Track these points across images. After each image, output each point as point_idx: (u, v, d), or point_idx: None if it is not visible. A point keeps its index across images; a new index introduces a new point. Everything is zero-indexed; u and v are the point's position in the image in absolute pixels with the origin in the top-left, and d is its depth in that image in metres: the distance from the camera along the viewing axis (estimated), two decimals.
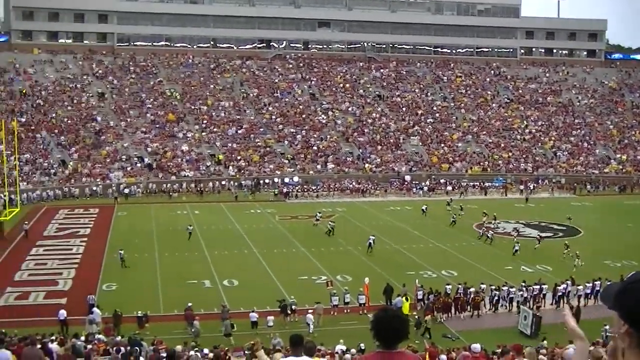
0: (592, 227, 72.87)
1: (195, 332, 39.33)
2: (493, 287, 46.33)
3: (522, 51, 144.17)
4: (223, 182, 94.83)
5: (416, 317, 41.36)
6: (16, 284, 49.87)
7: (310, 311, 42.19)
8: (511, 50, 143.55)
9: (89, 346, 28.26)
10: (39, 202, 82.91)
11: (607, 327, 38.37)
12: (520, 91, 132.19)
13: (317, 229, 69.10)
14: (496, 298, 45.56)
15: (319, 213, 72.70)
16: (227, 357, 24.56)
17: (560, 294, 46.10)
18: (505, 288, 46.32)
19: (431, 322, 41.81)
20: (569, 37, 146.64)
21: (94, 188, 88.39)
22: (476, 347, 18.44)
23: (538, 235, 66.73)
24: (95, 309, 41.32)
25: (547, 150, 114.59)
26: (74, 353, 23.03)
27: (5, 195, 70.74)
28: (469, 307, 44.84)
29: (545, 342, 32.62)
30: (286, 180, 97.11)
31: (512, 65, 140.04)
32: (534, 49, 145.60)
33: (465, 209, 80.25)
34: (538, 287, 46.51)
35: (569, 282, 46.65)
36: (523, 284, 46.79)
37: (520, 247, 59.93)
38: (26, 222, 67.34)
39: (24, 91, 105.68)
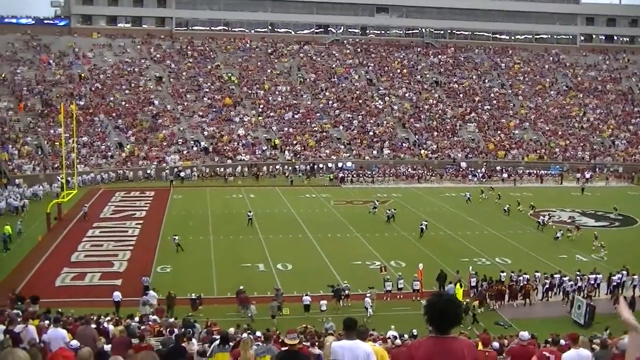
0: None
1: (251, 316, 39.46)
2: (545, 275, 45.88)
3: (582, 38, 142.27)
4: (277, 167, 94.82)
5: (464, 303, 41.01)
6: (72, 265, 50.43)
7: (368, 294, 42.13)
8: (571, 37, 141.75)
9: (143, 327, 28.40)
10: (95, 184, 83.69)
11: None
12: (579, 78, 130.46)
13: (371, 215, 68.78)
14: (547, 286, 45.10)
15: (377, 201, 72.07)
16: (280, 340, 24.48)
17: (614, 283, 45.53)
18: (557, 276, 45.89)
19: (478, 309, 41.62)
20: (630, 23, 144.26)
21: (148, 171, 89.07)
22: (524, 334, 18.12)
23: (573, 223, 66.33)
24: (151, 292, 41.64)
25: (605, 138, 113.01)
26: (128, 333, 23.12)
27: (62, 178, 71.53)
28: (520, 295, 44.47)
29: (608, 331, 32.05)
30: (339, 165, 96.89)
31: (572, 52, 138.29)
32: (594, 36, 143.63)
33: (521, 197, 79.54)
34: (593, 276, 45.95)
35: (624, 272, 46.00)
36: (578, 273, 46.28)
37: (562, 235, 60.05)
38: (85, 205, 68.06)
39: (82, 75, 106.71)
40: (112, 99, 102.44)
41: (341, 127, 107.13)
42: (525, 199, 78.37)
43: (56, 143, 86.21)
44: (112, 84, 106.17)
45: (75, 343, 15.96)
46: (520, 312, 43.15)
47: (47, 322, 23.80)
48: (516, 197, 78.68)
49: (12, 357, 5.29)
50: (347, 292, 43.19)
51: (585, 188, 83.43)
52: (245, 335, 26.32)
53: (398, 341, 25.25)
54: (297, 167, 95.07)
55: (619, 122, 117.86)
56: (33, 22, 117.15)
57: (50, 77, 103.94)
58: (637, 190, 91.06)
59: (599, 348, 16.91)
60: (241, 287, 42.20)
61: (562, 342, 19.03)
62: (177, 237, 55.11)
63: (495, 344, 23.51)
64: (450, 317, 6.68)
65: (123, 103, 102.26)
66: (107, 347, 18.04)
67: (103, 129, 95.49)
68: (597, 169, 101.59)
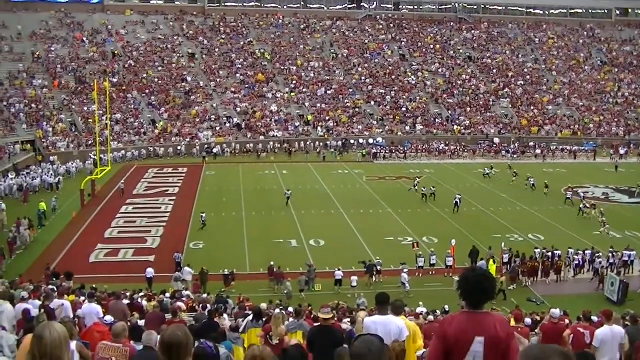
0: None
1: (288, 293, 39.57)
2: (577, 251, 45.65)
3: (618, 12, 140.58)
4: (308, 142, 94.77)
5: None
6: (106, 241, 50.77)
7: (405, 270, 42.18)
8: (606, 11, 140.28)
9: (177, 303, 28.57)
10: (128, 160, 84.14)
11: None
12: (614, 53, 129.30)
13: (405, 192, 68.57)
14: (579, 263, 44.86)
15: (417, 178, 71.39)
16: (312, 315, 24.58)
17: None
18: (588, 252, 45.66)
19: (510, 286, 41.58)
20: None
21: (179, 147, 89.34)
22: (555, 312, 18.00)
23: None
24: (186, 268, 41.93)
25: (639, 114, 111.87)
26: (161, 309, 23.29)
27: (96, 154, 71.95)
28: (552, 271, 44.29)
29: None
30: (369, 140, 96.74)
31: (607, 27, 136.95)
32: (630, 10, 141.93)
33: (554, 173, 79.20)
34: (627, 253, 45.68)
35: None
36: (610, 249, 46.00)
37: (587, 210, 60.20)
38: (122, 181, 68.42)
39: (115, 52, 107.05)
40: (144, 75, 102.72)
41: (373, 103, 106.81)
42: (557, 175, 78.13)
43: (89, 120, 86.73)
44: (144, 61, 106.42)
45: (109, 318, 16.10)
46: (552, 288, 43.02)
47: (82, 297, 24.03)
48: (548, 173, 78.44)
49: (49, 330, 5.28)
50: (378, 267, 43.26)
51: (618, 165, 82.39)
52: (277, 310, 26.45)
53: (430, 317, 25.28)
54: (328, 143, 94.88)
55: None
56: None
57: (83, 55, 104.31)
58: None
59: (629, 324, 16.82)
60: (272, 263, 42.34)
61: (595, 318, 18.93)
62: (204, 214, 55.30)
63: (528, 320, 23.45)
64: (484, 291, 6.64)
65: (156, 80, 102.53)
66: (142, 322, 18.16)
67: (136, 106, 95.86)
68: (631, 145, 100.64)
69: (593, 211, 58.75)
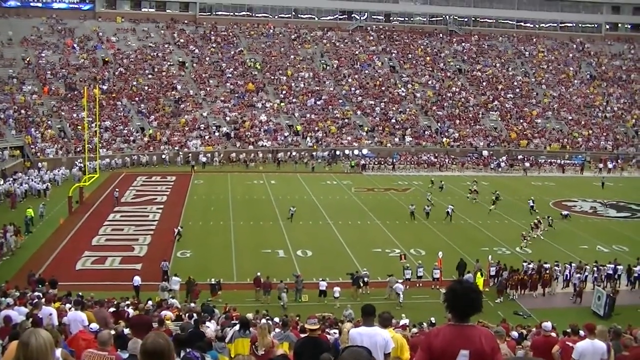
0: None
1: (284, 305, 39.67)
2: (564, 265, 45.92)
3: (607, 26, 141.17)
4: (294, 153, 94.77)
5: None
6: (94, 249, 50.68)
7: (400, 281, 42.48)
8: (596, 25, 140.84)
9: (163, 312, 28.53)
10: (117, 168, 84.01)
11: None
12: (604, 68, 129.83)
13: (395, 204, 68.63)
14: (565, 277, 45.03)
15: (429, 197, 68.97)
16: (299, 326, 24.57)
17: (636, 274, 45.45)
18: (574, 265, 45.95)
19: (497, 299, 41.91)
20: None
21: (163, 156, 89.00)
22: (547, 325, 18.00)
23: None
24: (174, 277, 41.85)
25: (628, 128, 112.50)
26: (150, 320, 23.21)
27: (84, 161, 71.84)
28: (539, 285, 44.42)
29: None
30: (355, 152, 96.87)
31: (596, 41, 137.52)
32: (619, 25, 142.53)
33: (543, 187, 79.55)
34: (611, 266, 45.93)
35: None
36: (595, 264, 46.24)
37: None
38: (117, 189, 68.32)
39: (106, 59, 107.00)
40: (135, 83, 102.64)
41: (363, 114, 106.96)
42: (545, 189, 78.64)
43: (79, 127, 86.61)
44: (135, 69, 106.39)
45: (95, 326, 16.07)
46: (540, 302, 43.12)
47: (68, 305, 23.97)
48: (537, 186, 78.86)
49: (35, 337, 5.28)
50: (366, 279, 43.29)
51: (605, 182, 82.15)
52: (263, 321, 26.46)
53: (415, 329, 25.31)
54: (314, 154, 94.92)
55: None
56: (60, 6, 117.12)
57: (74, 61, 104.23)
58: None
59: (612, 337, 16.91)
60: (259, 274, 42.33)
61: (582, 332, 18.98)
62: (181, 229, 54.94)
63: (515, 334, 23.55)
64: (470, 304, 6.68)
65: (146, 88, 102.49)
66: (128, 331, 18.11)
67: (126, 114, 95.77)
68: (619, 159, 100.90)
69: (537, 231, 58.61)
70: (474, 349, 6.50)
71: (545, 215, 60.72)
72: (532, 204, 67.27)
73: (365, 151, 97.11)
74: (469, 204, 68.73)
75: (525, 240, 54.45)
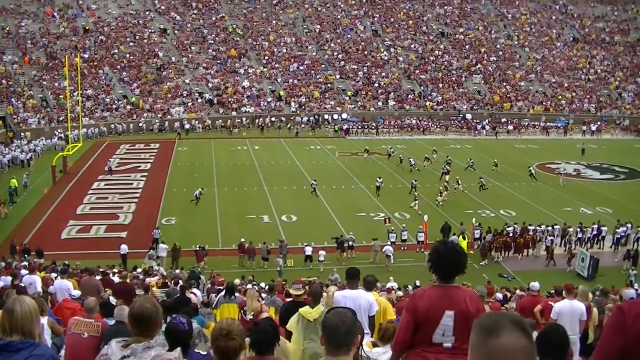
0: None
1: (280, 270, 39.81)
2: (544, 227, 46.23)
3: None
4: (282, 119, 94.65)
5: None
6: (78, 218, 50.73)
7: (389, 243, 42.77)
8: None
9: (148, 279, 28.63)
10: (100, 137, 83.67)
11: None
12: (587, 30, 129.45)
13: (378, 168, 68.59)
14: (551, 238, 45.27)
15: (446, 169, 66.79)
16: (285, 291, 24.67)
17: (618, 236, 45.79)
18: (558, 227, 46.29)
19: (481, 262, 42.26)
20: None
21: (140, 124, 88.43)
22: (535, 285, 18.12)
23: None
24: (161, 245, 41.93)
25: (612, 90, 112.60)
26: (134, 286, 23.28)
27: (65, 131, 71.54)
28: (526, 248, 44.72)
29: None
30: (334, 116, 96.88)
31: (579, 3, 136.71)
32: None
33: (526, 150, 79.87)
34: (596, 227, 46.31)
35: (629, 225, 46.12)
36: (579, 225, 46.60)
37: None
38: (110, 159, 68.10)
39: (87, 27, 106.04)
40: (116, 51, 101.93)
41: (346, 79, 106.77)
42: (529, 151, 78.85)
43: (61, 96, 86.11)
44: (116, 37, 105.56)
45: (77, 293, 16.06)
46: (524, 264, 43.38)
47: (53, 274, 24.00)
48: (521, 149, 79.22)
49: (20, 304, 5.27)
50: (351, 243, 43.47)
51: (585, 149, 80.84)
52: (249, 286, 26.55)
53: (400, 292, 25.43)
54: (298, 118, 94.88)
55: (626, 75, 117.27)
56: None
57: (54, 30, 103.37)
58: None
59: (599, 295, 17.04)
60: (242, 240, 42.43)
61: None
62: (201, 189, 55.84)
63: (499, 295, 23.70)
64: (454, 265, 6.70)
65: (127, 55, 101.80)
66: (113, 299, 18.13)
67: (108, 82, 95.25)
68: (602, 122, 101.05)
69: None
70: (459, 309, 6.53)
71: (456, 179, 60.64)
72: (471, 164, 68.44)
73: (345, 115, 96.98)
74: (452, 167, 68.53)
75: (441, 196, 55.29)
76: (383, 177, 60.56)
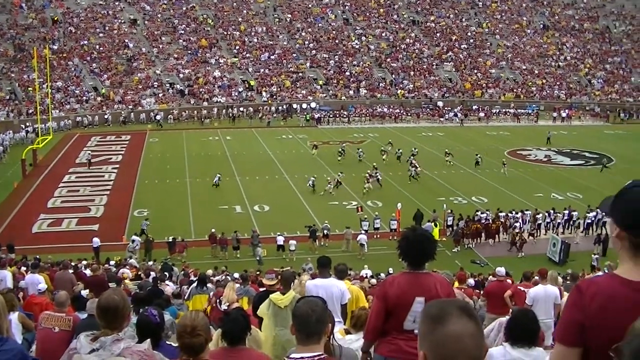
0: (625, 156, 71.79)
1: (260, 259, 39.77)
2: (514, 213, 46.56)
3: None
4: (251, 109, 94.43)
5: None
6: (49, 211, 50.38)
7: (362, 232, 43.08)
8: None
9: (121, 271, 28.53)
10: (71, 129, 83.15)
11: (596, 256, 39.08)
12: (557, 17, 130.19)
13: (350, 156, 68.50)
14: (517, 224, 45.56)
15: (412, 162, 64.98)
16: (258, 280, 24.63)
17: (589, 221, 46.21)
18: (528, 213, 46.69)
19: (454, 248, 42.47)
20: None
21: (106, 116, 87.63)
22: (501, 270, 18.25)
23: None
24: (133, 236, 41.77)
25: (581, 77, 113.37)
26: (107, 278, 23.20)
27: (38, 123, 71.07)
28: (498, 234, 45.00)
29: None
30: (304, 106, 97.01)
31: None
32: None
33: (498, 136, 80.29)
34: (567, 212, 46.71)
35: (599, 210, 46.45)
36: (552, 210, 47.00)
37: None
38: (90, 152, 67.69)
39: (56, 18, 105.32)
40: (86, 42, 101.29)
41: (317, 68, 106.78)
42: (500, 138, 79.32)
43: (30, 88, 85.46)
44: (85, 27, 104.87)
45: (43, 287, 15.93)
46: (496, 250, 43.60)
47: (24, 268, 23.85)
48: (492, 136, 79.62)
49: None
50: (326, 232, 43.56)
51: (551, 137, 79.44)
52: (222, 276, 26.55)
53: (374, 280, 25.49)
54: (269, 108, 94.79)
55: (595, 61, 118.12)
56: None
57: (22, 21, 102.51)
58: (612, 129, 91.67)
59: (569, 280, 17.14)
60: (213, 230, 42.42)
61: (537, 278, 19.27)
62: (220, 175, 56.96)
63: (471, 281, 23.81)
64: (424, 251, 6.73)
65: (97, 46, 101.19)
66: (85, 293, 18.04)
67: (77, 73, 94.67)
68: (572, 108, 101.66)
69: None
70: (429, 296, 6.55)
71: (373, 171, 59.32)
72: (407, 154, 66.37)
73: (313, 105, 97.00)
74: (423, 155, 68.47)
75: (367, 184, 55.17)
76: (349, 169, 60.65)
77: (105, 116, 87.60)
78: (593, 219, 45.92)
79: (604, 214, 45.40)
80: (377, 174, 57.46)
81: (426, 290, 6.62)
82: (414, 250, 6.74)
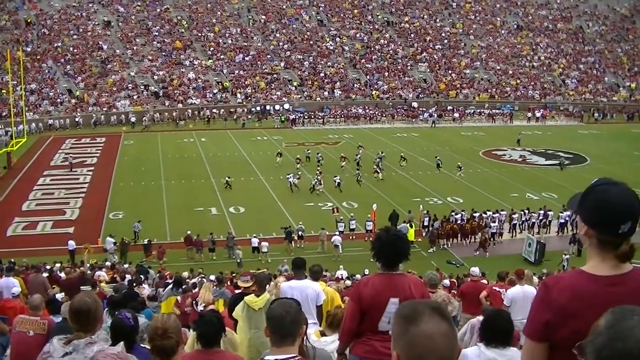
0: (598, 155, 72.36)
1: (240, 262, 39.72)
2: (491, 213, 46.78)
3: None
4: (222, 110, 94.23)
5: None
6: (24, 214, 50.13)
7: (336, 233, 43.29)
8: None
9: (97, 273, 28.48)
10: (45, 131, 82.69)
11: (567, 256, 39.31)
12: (530, 17, 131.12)
13: (326, 157, 68.55)
14: (494, 225, 45.78)
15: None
16: (234, 282, 24.64)
17: (562, 221, 46.54)
18: (503, 212, 47.04)
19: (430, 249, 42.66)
20: None
21: (77, 119, 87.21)
22: (475, 270, 18.37)
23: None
24: (108, 238, 41.66)
25: (555, 77, 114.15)
26: (81, 280, 23.13)
27: (11, 126, 70.67)
28: (473, 234, 45.17)
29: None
30: (276, 107, 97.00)
31: None
32: None
33: (472, 137, 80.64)
34: (542, 212, 47.04)
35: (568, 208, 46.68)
36: (526, 210, 47.33)
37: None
38: (71, 155, 67.26)
39: (29, 20, 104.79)
40: (60, 44, 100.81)
41: (292, 69, 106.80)
42: (475, 138, 79.59)
43: (3, 91, 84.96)
44: (59, 29, 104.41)
45: (16, 290, 15.87)
46: (472, 250, 43.74)
47: None
48: (467, 136, 79.96)
49: None
50: (300, 233, 43.58)
51: (521, 139, 79.14)
52: (197, 278, 26.53)
53: (349, 282, 25.55)
54: (244, 109, 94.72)
55: (569, 61, 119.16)
56: None
57: None
58: (587, 129, 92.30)
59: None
60: (189, 232, 42.36)
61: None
62: (228, 178, 56.52)
63: (446, 282, 23.91)
64: (397, 252, 6.76)
65: (71, 48, 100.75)
66: (60, 296, 17.98)
67: (51, 76, 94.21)
68: (547, 108, 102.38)
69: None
70: (403, 296, 6.59)
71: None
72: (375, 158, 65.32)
73: (286, 106, 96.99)
74: (398, 156, 68.45)
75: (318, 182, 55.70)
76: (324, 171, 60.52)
77: (77, 119, 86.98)
78: (568, 218, 46.19)
79: (573, 211, 46.03)
80: (358, 173, 57.83)
81: (400, 291, 6.66)
82: (387, 251, 6.77)
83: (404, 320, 3.13)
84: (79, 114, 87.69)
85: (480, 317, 11.49)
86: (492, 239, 44.72)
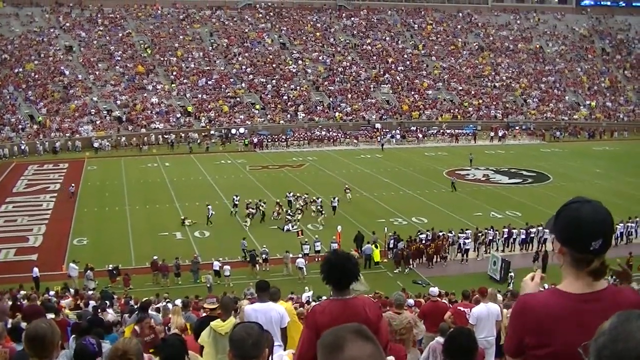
0: (561, 173, 73.23)
1: (210, 286, 39.62)
2: (455, 233, 47.12)
3: None
4: (189, 134, 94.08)
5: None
6: None
7: (300, 255, 43.23)
8: None
9: (62, 301, 28.30)
10: (7, 158, 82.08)
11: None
12: (491, 38, 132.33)
13: (290, 180, 68.66)
14: (462, 243, 46.07)
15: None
16: (200, 306, 24.67)
17: (523, 237, 47.18)
18: (469, 232, 47.31)
19: (395, 269, 42.80)
20: None
21: (22, 147, 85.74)
22: (433, 290, 18.54)
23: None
24: (71, 264, 41.39)
25: (517, 97, 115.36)
26: (44, 308, 22.98)
27: None
28: (437, 254, 45.42)
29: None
30: (233, 131, 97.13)
31: (483, 13, 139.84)
32: None
33: (436, 157, 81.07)
34: (506, 230, 47.45)
35: (540, 228, 47.10)
36: (490, 229, 47.66)
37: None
38: (72, 184, 66.07)
39: None
40: (21, 69, 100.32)
41: (255, 92, 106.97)
42: (438, 159, 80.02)
43: None
44: (20, 55, 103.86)
45: None
46: (437, 270, 44.00)
47: None
48: (430, 156, 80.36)
49: None
50: (264, 256, 43.64)
51: (473, 160, 78.70)
52: (163, 303, 26.51)
53: (313, 303, 25.67)
54: (207, 133, 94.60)
55: (530, 81, 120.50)
56: None
57: None
58: (549, 147, 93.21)
59: (509, 297, 17.41)
60: (155, 257, 42.23)
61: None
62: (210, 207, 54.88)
63: (410, 301, 24.05)
64: (346, 271, 6.81)
65: (33, 74, 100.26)
66: (24, 324, 17.90)
67: (13, 101, 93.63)
68: (509, 128, 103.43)
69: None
70: (360, 320, 6.62)
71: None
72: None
73: (242, 130, 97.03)
74: (362, 177, 68.75)
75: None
76: (293, 191, 60.54)
77: (37, 145, 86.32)
78: (532, 235, 46.73)
79: (546, 231, 46.45)
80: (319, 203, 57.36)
81: (357, 315, 6.69)
82: (336, 272, 6.81)
83: (327, 350, 3.11)
84: (38, 141, 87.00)
85: (439, 339, 11.68)
86: (464, 256, 45.07)
